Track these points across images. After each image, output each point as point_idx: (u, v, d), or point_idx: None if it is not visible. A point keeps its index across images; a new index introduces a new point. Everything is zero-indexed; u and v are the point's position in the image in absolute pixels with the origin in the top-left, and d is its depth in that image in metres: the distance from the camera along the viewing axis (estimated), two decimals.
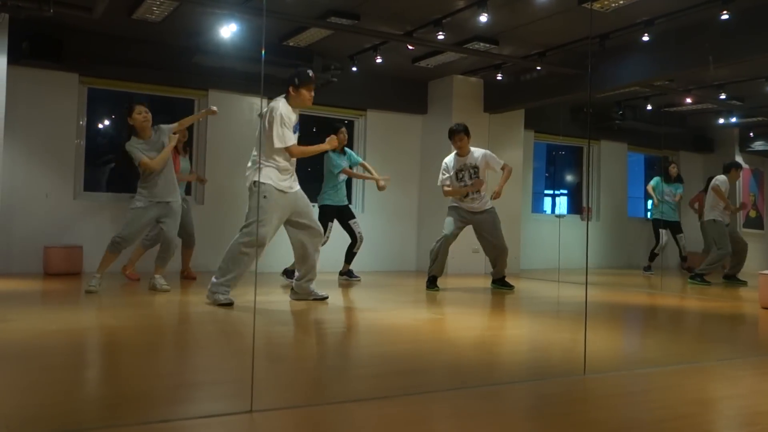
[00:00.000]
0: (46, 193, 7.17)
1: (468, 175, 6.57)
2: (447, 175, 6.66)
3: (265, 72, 7.33)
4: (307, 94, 5.06)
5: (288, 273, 6.77)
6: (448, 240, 6.57)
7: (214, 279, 4.90)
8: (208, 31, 6.97)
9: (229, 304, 4.79)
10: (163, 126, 5.68)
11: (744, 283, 8.14)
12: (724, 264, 9.20)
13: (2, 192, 6.53)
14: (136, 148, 5.53)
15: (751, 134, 11.31)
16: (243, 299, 5.23)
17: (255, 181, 4.91)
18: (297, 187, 5.09)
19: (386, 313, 4.94)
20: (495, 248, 6.60)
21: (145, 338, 3.66)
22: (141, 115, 5.52)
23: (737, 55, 6.42)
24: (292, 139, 4.95)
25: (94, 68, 7.40)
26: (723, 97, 8.98)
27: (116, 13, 6.56)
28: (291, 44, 7.56)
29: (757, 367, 3.36)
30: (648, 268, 9.52)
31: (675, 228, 9.37)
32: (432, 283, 6.58)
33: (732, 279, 8.28)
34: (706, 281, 7.96)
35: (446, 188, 6.66)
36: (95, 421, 2.15)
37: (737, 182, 10.57)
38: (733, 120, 10.38)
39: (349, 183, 8.04)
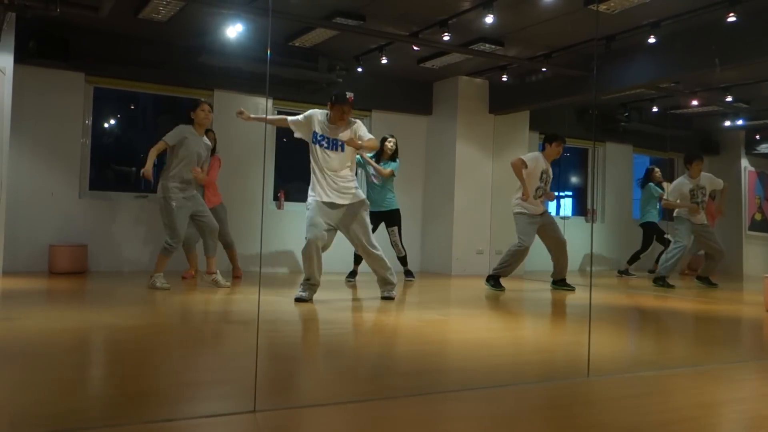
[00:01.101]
0: (52, 191, 7.20)
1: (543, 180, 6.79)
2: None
3: (271, 72, 7.35)
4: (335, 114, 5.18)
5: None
6: (527, 249, 6.72)
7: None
8: (214, 31, 6.98)
9: None
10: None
11: (714, 286, 7.92)
12: (691, 264, 9.15)
13: (8, 191, 6.55)
14: (186, 133, 5.71)
15: (758, 137, 11.27)
16: (247, 299, 5.24)
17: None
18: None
19: (390, 313, 4.94)
20: (560, 246, 6.80)
21: (148, 337, 3.67)
22: (204, 112, 5.78)
23: (744, 58, 6.40)
24: None
25: (101, 68, 7.42)
26: (729, 99, 8.94)
27: (122, 12, 6.58)
28: (297, 45, 7.57)
29: (761, 370, 3.35)
30: (626, 272, 9.35)
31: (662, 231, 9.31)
32: (496, 282, 6.74)
33: (704, 281, 8.05)
34: (669, 284, 7.68)
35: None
36: (99, 420, 2.15)
37: (744, 185, 10.55)
38: (740, 122, 10.36)
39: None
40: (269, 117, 5.64)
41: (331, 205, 5.13)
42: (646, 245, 9.29)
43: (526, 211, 6.69)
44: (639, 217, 9.50)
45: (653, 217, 9.28)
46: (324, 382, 2.84)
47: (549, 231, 6.80)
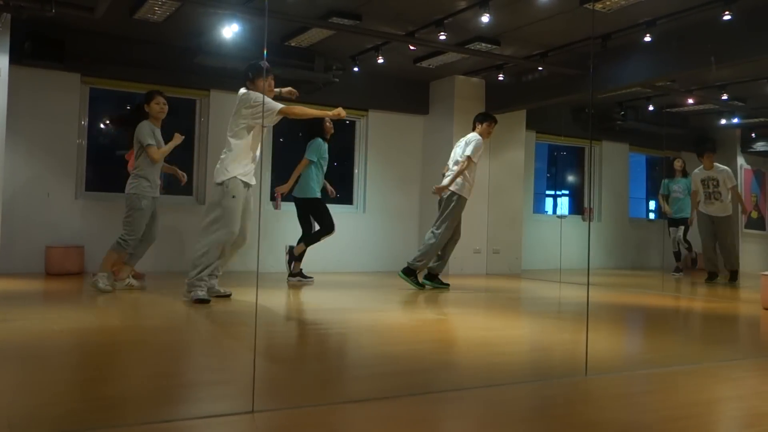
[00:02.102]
0: (48, 192, 7.18)
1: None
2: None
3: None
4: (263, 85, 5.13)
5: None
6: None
7: None
8: (209, 32, 6.97)
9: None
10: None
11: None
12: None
13: (4, 192, 6.54)
14: (148, 131, 5.56)
15: (753, 135, 11.30)
16: (244, 299, 5.23)
17: None
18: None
19: (387, 313, 4.94)
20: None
21: (146, 338, 3.67)
22: (159, 105, 5.63)
23: (739, 56, 6.41)
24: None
25: (96, 68, 7.41)
26: (725, 97, 8.96)
27: (118, 13, 6.56)
28: (293, 44, 7.56)
29: (759, 368, 3.35)
30: (678, 269, 9.30)
31: (685, 224, 9.18)
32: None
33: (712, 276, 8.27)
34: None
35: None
36: (97, 421, 2.15)
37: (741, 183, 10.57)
38: (735, 121, 10.38)
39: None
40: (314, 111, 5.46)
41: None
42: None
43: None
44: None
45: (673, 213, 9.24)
46: (322, 382, 2.84)
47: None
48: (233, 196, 4.94)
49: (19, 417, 2.12)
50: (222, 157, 5.10)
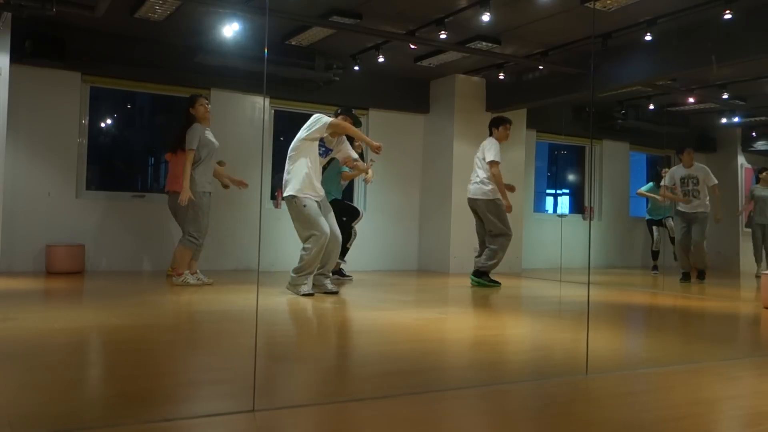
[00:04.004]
0: (49, 191, 7.18)
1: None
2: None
3: (268, 71, 7.32)
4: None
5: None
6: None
7: None
8: (210, 30, 6.97)
9: None
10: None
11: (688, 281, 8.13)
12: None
13: (5, 191, 6.54)
14: (196, 134, 5.94)
15: (754, 134, 11.29)
16: (245, 298, 5.24)
17: None
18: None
19: (388, 312, 4.94)
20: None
21: (147, 337, 3.67)
22: (203, 106, 6.03)
23: (740, 55, 6.41)
24: None
25: (97, 67, 7.41)
26: (725, 96, 8.96)
27: (119, 11, 6.57)
28: (293, 43, 7.56)
29: (759, 367, 3.35)
30: (655, 268, 9.64)
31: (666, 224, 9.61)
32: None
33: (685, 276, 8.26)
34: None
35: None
36: (97, 420, 2.15)
37: (740, 181, 10.58)
38: (736, 119, 10.37)
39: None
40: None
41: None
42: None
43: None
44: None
45: (654, 213, 9.72)
46: (323, 381, 2.85)
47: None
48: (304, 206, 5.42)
49: (19, 415, 2.12)
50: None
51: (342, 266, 7.10)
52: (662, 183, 8.90)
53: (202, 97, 6.12)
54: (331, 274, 5.81)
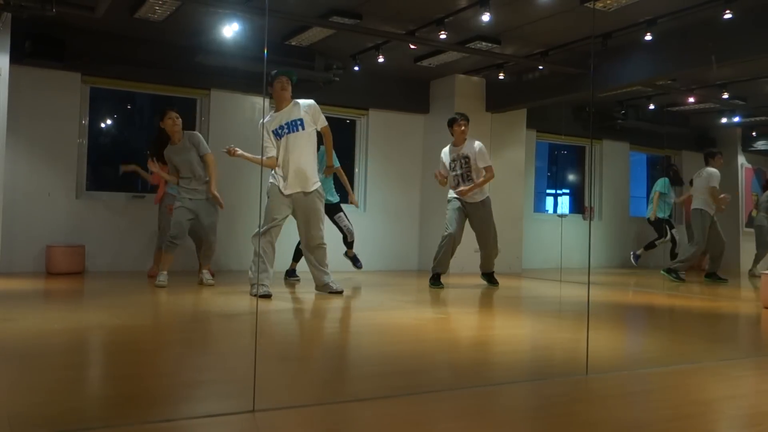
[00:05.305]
0: (49, 192, 7.19)
1: (459, 165, 6.60)
2: (442, 163, 6.81)
3: (268, 71, 7.34)
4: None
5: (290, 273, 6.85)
6: (452, 237, 6.58)
7: None
8: (210, 31, 6.98)
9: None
10: (197, 134, 6.13)
11: (725, 281, 8.05)
12: (701, 264, 9.22)
13: (5, 191, 6.54)
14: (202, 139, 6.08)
15: (754, 133, 11.30)
16: (245, 298, 5.23)
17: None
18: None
19: (388, 312, 4.94)
20: (480, 242, 6.80)
21: (147, 337, 3.67)
22: (171, 119, 5.89)
23: (740, 55, 6.41)
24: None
25: (97, 67, 7.41)
26: (726, 96, 8.96)
27: (118, 12, 6.57)
28: (293, 44, 7.57)
29: (759, 367, 3.35)
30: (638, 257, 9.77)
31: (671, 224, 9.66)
32: (435, 280, 6.61)
33: (713, 277, 8.18)
34: (681, 278, 7.94)
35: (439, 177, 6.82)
36: (97, 420, 2.15)
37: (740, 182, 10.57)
38: (736, 119, 10.38)
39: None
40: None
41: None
42: (661, 236, 9.86)
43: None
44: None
45: (662, 213, 9.71)
46: (323, 381, 2.84)
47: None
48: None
49: (19, 415, 2.12)
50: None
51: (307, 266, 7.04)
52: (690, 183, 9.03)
53: (171, 111, 5.95)
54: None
